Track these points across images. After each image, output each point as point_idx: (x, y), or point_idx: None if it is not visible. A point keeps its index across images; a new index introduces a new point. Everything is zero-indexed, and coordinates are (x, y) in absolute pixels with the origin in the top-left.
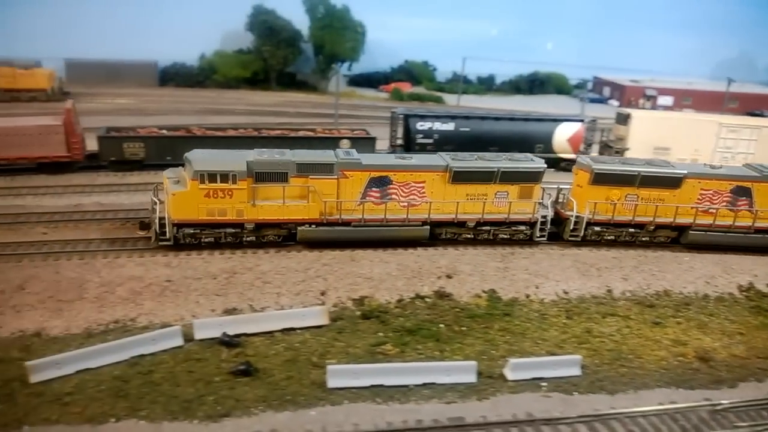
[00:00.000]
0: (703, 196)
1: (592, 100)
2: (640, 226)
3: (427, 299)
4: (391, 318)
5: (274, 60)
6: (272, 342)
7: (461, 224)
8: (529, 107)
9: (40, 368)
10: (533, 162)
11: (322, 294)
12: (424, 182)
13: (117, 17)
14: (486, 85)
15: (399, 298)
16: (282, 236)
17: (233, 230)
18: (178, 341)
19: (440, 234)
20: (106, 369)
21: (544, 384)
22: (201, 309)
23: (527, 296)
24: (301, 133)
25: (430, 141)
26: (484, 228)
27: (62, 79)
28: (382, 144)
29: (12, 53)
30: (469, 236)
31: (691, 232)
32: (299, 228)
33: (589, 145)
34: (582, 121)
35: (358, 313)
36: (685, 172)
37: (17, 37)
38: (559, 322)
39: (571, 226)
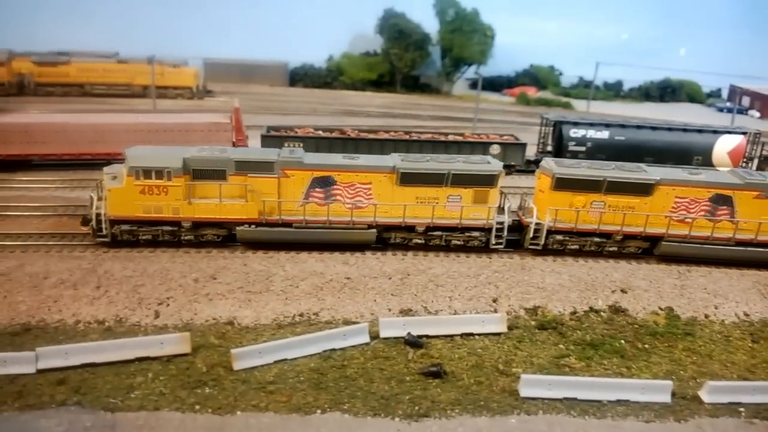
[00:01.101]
0: (679, 205)
1: (728, 110)
2: (607, 235)
3: (602, 313)
4: (568, 330)
5: (401, 63)
6: (454, 345)
7: (411, 229)
8: (661, 115)
9: (243, 356)
10: (488, 165)
11: (494, 301)
12: (370, 183)
13: (250, 19)
14: (613, 91)
15: (572, 310)
16: (221, 236)
17: (170, 228)
18: (365, 338)
19: (389, 238)
20: (301, 360)
21: (741, 409)
22: (378, 307)
23: (706, 316)
24: (450, 137)
25: (583, 149)
26: (435, 233)
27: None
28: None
29: (159, 52)
30: (420, 241)
31: (663, 242)
32: (238, 228)
33: (749, 159)
34: (745, 133)
35: (533, 323)
36: (658, 178)
37: (164, 37)
38: (744, 346)
39: (531, 234)
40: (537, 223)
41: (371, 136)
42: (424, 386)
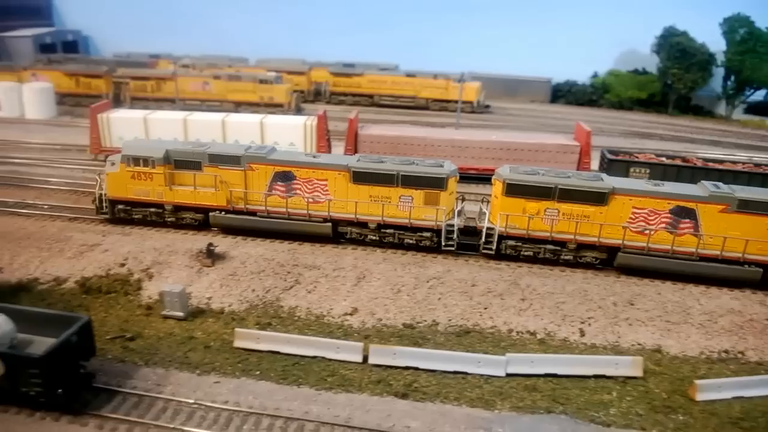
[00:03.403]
0: (637, 215)
1: None
2: (562, 243)
3: None
4: None
5: (680, 83)
6: None
7: (364, 225)
8: None
9: (706, 388)
10: (437, 168)
11: None
12: (326, 180)
13: (515, 35)
14: None
15: None
16: (198, 220)
17: (156, 210)
18: None
19: (346, 233)
20: (758, 400)
21: None
22: None
23: None
24: None
25: None
26: (388, 231)
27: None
28: None
29: (430, 66)
30: (374, 238)
31: (620, 254)
32: (210, 213)
33: None
34: None
35: None
36: (611, 187)
37: (435, 50)
38: None
39: (483, 238)
40: (489, 228)
41: (720, 166)
42: None
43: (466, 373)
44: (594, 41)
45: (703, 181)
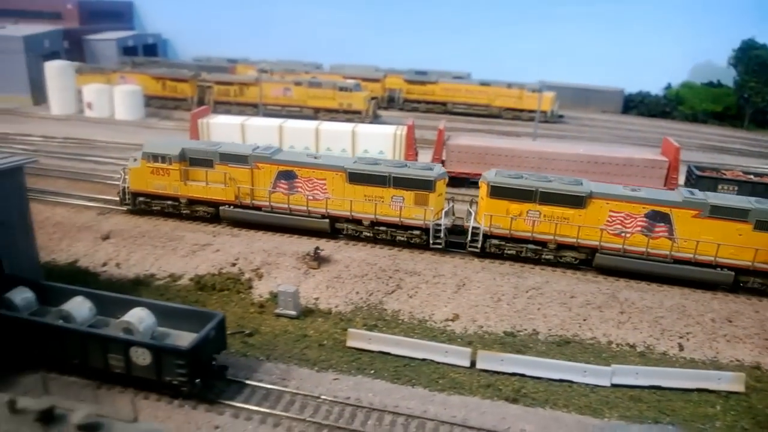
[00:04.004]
0: (614, 219)
1: None
2: (543, 243)
3: None
4: None
5: (758, 97)
6: None
7: (359, 222)
8: None
9: None
10: (426, 171)
11: None
12: (325, 180)
13: (586, 43)
14: None
15: None
16: (210, 214)
17: (172, 203)
18: None
19: (342, 229)
20: None
21: None
22: None
23: None
24: None
25: None
26: (381, 228)
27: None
28: None
29: (500, 75)
30: (368, 235)
31: (598, 254)
32: (220, 208)
33: None
34: None
35: None
36: (589, 191)
37: (504, 59)
38: None
39: (469, 237)
40: (474, 227)
41: None
42: None
43: (571, 382)
44: (668, 52)
45: (679, 187)
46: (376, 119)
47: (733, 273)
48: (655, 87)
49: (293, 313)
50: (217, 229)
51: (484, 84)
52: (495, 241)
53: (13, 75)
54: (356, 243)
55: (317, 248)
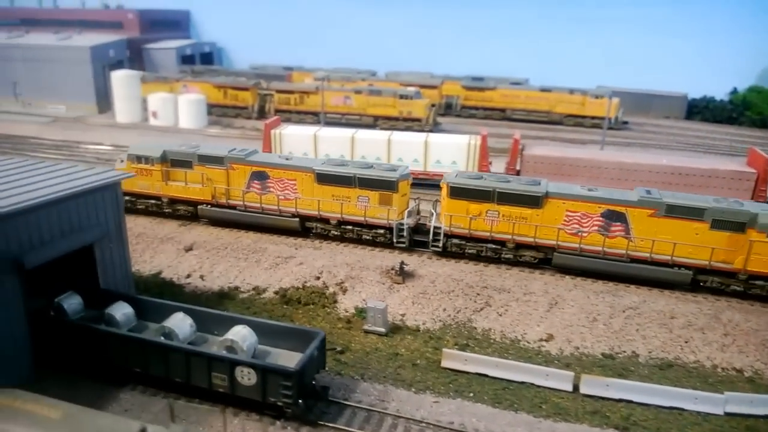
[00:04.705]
0: (571, 218)
1: None
2: (502, 242)
3: None
4: None
5: None
6: None
7: (327, 221)
8: None
9: None
10: (390, 172)
11: None
12: (295, 180)
13: (647, 47)
14: None
15: None
16: (190, 213)
17: (155, 201)
18: None
19: (312, 228)
20: None
21: None
22: None
23: None
24: None
25: None
26: (347, 227)
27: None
28: None
29: (564, 81)
30: (336, 233)
31: (556, 254)
32: (199, 207)
33: None
34: None
35: None
36: (545, 191)
37: (563, 63)
38: None
39: (431, 236)
40: (436, 227)
41: None
42: None
43: (682, 409)
44: (734, 56)
45: (637, 187)
46: (436, 127)
47: (690, 272)
48: (719, 92)
49: (382, 330)
50: (299, 241)
51: (544, 90)
52: (456, 241)
53: (79, 84)
54: (440, 258)
55: (402, 263)
